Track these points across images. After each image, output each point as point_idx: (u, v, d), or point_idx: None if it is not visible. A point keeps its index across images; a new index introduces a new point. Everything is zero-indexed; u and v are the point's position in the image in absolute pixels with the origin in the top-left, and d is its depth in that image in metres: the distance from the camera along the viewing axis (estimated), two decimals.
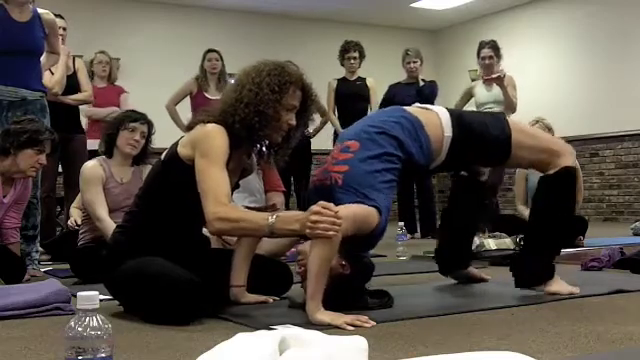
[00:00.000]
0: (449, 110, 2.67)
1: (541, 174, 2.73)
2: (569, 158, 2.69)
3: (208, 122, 2.33)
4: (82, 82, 5.13)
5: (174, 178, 2.38)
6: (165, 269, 2.27)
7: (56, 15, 4.43)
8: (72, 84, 4.99)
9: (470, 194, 3.07)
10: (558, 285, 2.66)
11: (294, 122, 2.41)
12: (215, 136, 2.29)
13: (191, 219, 2.39)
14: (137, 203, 2.52)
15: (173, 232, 2.45)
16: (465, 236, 3.12)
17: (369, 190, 2.33)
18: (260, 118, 2.31)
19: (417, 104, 2.77)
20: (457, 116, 2.65)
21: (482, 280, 3.11)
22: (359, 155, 2.42)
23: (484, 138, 2.63)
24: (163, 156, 2.47)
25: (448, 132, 2.58)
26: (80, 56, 5.35)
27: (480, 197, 3.13)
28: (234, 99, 2.35)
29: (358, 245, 2.35)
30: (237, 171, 2.51)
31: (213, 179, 2.22)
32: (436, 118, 2.60)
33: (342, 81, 6.44)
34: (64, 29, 5.06)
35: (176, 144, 2.41)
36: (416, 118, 2.58)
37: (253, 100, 2.31)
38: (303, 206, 3.72)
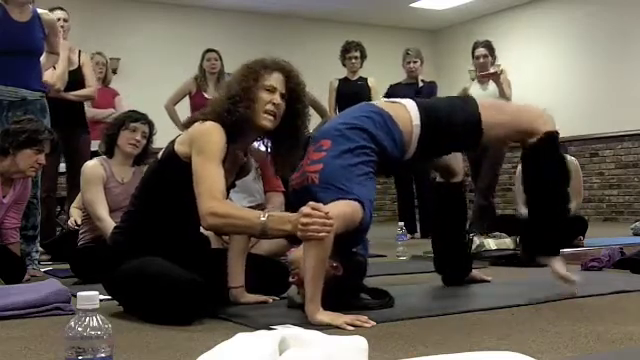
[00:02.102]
0: (416, 101, 2.66)
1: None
2: (547, 122, 2.65)
3: (204, 120, 2.34)
4: (87, 77, 5.04)
5: (171, 176, 2.38)
6: (166, 269, 2.27)
7: (57, 7, 4.43)
8: (76, 79, 4.91)
9: (451, 200, 3.05)
10: (560, 265, 2.66)
11: (279, 100, 2.38)
12: (212, 133, 2.30)
13: (188, 217, 2.38)
14: (134, 203, 2.52)
15: (171, 231, 2.45)
16: (459, 245, 3.09)
17: (347, 185, 2.32)
18: (241, 103, 2.33)
19: (384, 98, 2.77)
20: (424, 106, 2.64)
21: (483, 281, 3.11)
22: (332, 152, 2.41)
23: (452, 123, 2.61)
24: (160, 155, 2.47)
25: (416, 121, 2.57)
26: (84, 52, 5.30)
27: (461, 200, 3.10)
28: (222, 95, 2.43)
29: (345, 243, 2.32)
30: (233, 170, 2.51)
31: (208, 175, 2.22)
32: (404, 110, 2.60)
33: (343, 81, 6.44)
34: (65, 20, 5.00)
35: (173, 142, 2.42)
36: (385, 111, 2.57)
37: (232, 90, 2.37)
38: None
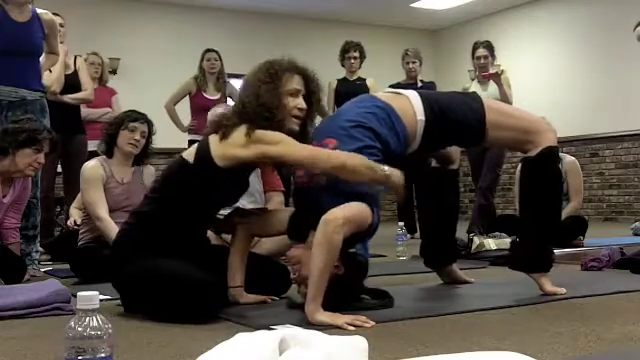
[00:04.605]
0: (420, 93, 2.62)
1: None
2: (550, 136, 2.63)
3: (234, 125, 2.33)
4: (83, 80, 5.08)
5: (201, 178, 2.36)
6: (184, 269, 2.29)
7: (53, 13, 4.40)
8: (73, 83, 4.96)
9: (444, 186, 3.02)
10: (547, 282, 2.64)
11: (304, 105, 2.41)
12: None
13: (204, 220, 2.39)
14: (147, 203, 2.50)
15: (184, 232, 2.45)
16: (447, 229, 3.07)
17: (355, 188, 2.30)
18: (266, 109, 2.33)
19: (387, 88, 2.73)
20: (429, 99, 2.59)
21: (466, 282, 3.07)
22: None
23: (457, 119, 2.58)
24: (193, 159, 2.38)
25: (421, 116, 2.54)
26: (80, 56, 5.34)
27: (454, 187, 3.08)
28: (240, 102, 2.42)
29: (354, 241, 2.32)
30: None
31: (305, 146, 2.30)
32: (408, 103, 2.56)
33: (342, 81, 6.44)
34: (61, 25, 5.00)
35: (207, 146, 2.36)
36: (389, 106, 2.53)
37: (253, 96, 2.35)
38: None
